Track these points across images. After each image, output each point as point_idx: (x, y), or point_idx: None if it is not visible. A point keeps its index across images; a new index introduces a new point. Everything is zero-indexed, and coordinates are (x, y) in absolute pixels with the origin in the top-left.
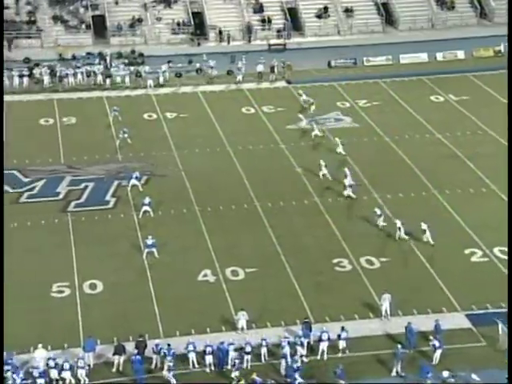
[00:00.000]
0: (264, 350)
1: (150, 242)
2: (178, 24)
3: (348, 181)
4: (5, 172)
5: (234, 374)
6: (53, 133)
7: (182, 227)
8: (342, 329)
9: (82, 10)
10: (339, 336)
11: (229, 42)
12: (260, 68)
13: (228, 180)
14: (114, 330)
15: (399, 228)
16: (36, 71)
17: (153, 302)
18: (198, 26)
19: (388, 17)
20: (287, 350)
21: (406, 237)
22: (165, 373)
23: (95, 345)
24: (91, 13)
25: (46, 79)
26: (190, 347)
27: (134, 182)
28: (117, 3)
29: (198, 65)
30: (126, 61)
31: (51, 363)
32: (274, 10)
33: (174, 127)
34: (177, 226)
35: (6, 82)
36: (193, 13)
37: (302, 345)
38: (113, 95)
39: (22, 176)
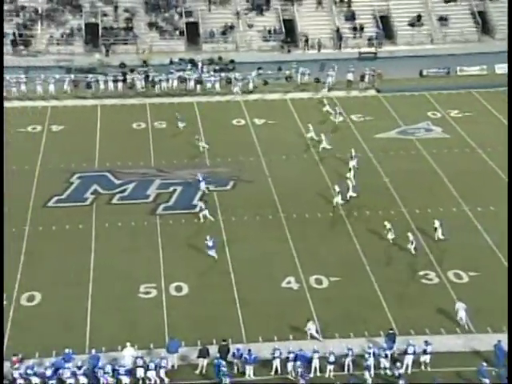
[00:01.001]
0: (349, 360)
1: (210, 243)
2: (270, 31)
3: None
4: (98, 174)
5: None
6: (144, 136)
7: (267, 233)
8: (426, 343)
9: (176, 16)
10: (425, 351)
11: (319, 50)
12: (350, 76)
13: (314, 187)
14: (198, 333)
15: (435, 228)
16: (130, 76)
17: (236, 306)
18: (288, 33)
19: (484, 25)
20: (371, 361)
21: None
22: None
23: (179, 346)
24: (185, 20)
25: (140, 84)
26: (277, 353)
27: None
28: (210, 10)
29: (287, 72)
30: (217, 67)
31: (139, 362)
32: (365, 17)
33: (261, 133)
34: (262, 231)
35: (102, 86)
36: (284, 20)
37: (386, 357)
38: (203, 101)
39: (114, 178)
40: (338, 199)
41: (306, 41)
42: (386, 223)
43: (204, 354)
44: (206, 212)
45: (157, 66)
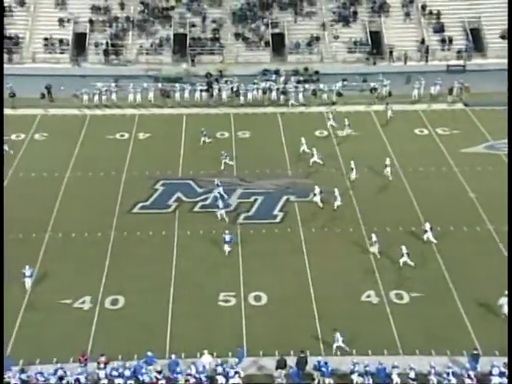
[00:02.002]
0: (432, 379)
1: (227, 238)
2: (355, 43)
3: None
4: (181, 181)
5: None
6: (227, 146)
7: (348, 245)
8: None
9: (262, 27)
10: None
11: (405, 62)
12: (437, 89)
13: (396, 201)
14: (276, 344)
15: (425, 231)
16: (215, 86)
17: (315, 318)
18: (375, 45)
19: None
20: (454, 381)
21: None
22: None
23: (244, 356)
24: (271, 31)
25: (225, 94)
26: (356, 367)
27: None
28: (296, 22)
29: (372, 84)
30: (301, 78)
31: (219, 369)
32: (455, 30)
33: (344, 145)
34: (342, 243)
35: (187, 95)
36: (370, 32)
37: (469, 377)
38: (287, 112)
39: (197, 186)
40: (428, 236)
41: (391, 52)
42: (402, 247)
43: (282, 364)
44: (223, 212)
45: (242, 76)
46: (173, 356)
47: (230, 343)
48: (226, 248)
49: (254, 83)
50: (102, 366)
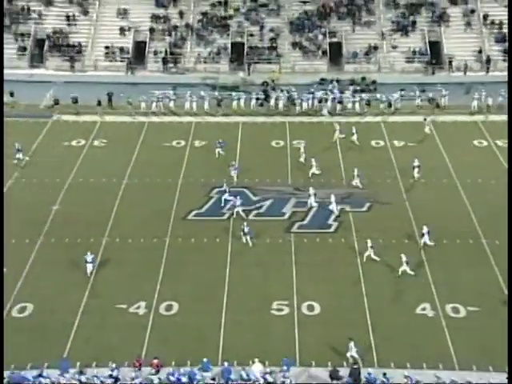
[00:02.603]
0: None
1: (246, 229)
2: (414, 52)
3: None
4: (237, 189)
5: None
6: (283, 154)
7: (396, 256)
8: None
9: (320, 36)
10: None
11: (465, 72)
12: (499, 100)
13: (453, 213)
14: (329, 354)
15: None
16: (272, 95)
17: (368, 329)
18: (434, 55)
19: None
20: None
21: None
22: None
23: (291, 364)
24: (328, 40)
25: (281, 103)
26: (409, 381)
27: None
28: (354, 31)
29: (430, 94)
30: (358, 88)
31: (269, 378)
32: None
33: (400, 156)
34: (397, 255)
35: (242, 103)
36: (430, 42)
37: None
38: (343, 121)
39: (252, 194)
40: (425, 239)
41: (450, 62)
42: (402, 255)
43: (335, 375)
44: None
45: (298, 85)
46: (225, 363)
47: (282, 352)
48: (247, 240)
49: (311, 92)
50: (154, 370)
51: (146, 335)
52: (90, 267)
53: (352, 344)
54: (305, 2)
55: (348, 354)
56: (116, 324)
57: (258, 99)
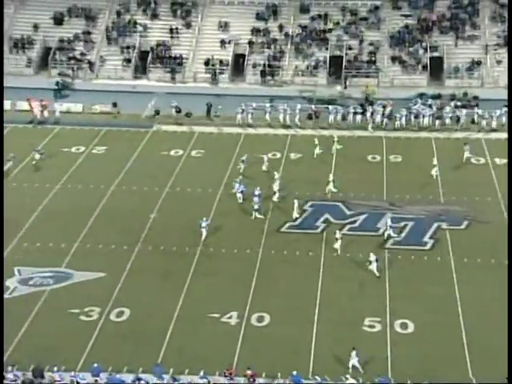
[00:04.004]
0: None
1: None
2: None
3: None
4: (331, 203)
5: None
6: (378, 169)
7: (501, 277)
8: None
9: (421, 51)
10: None
11: None
12: None
13: None
14: (422, 373)
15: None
16: (369, 109)
17: (464, 348)
18: None
19: None
20: None
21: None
22: None
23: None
24: (429, 54)
25: (378, 117)
26: None
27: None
28: (457, 45)
29: None
30: (459, 103)
31: None
32: None
33: (502, 174)
34: (495, 275)
35: (338, 117)
36: None
37: None
38: (441, 137)
39: (346, 208)
40: None
41: None
42: (371, 254)
43: None
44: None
45: (396, 99)
46: (317, 377)
47: (374, 369)
48: (239, 196)
49: (408, 107)
50: (249, 381)
51: (237, 345)
52: (204, 232)
53: (354, 353)
54: (406, 16)
55: (350, 364)
56: (208, 333)
57: (355, 113)
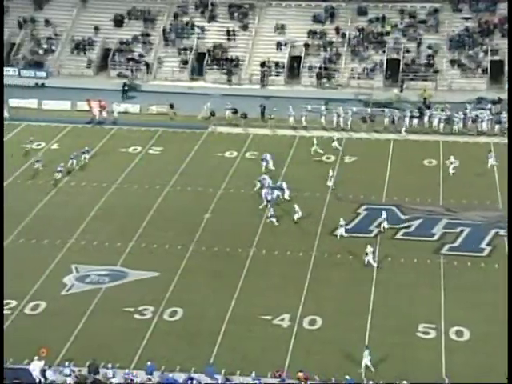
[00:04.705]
0: None
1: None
2: None
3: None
4: (385, 207)
5: None
6: (435, 174)
7: None
8: None
9: (481, 54)
10: None
11: None
12: None
13: None
14: (476, 381)
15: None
16: (426, 112)
17: None
18: None
19: None
20: None
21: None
22: None
23: None
24: (490, 58)
25: (436, 121)
26: None
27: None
28: None
29: None
30: None
31: None
32: None
33: None
34: None
35: (396, 120)
36: None
37: None
38: (500, 142)
39: (400, 213)
40: None
41: None
42: (368, 246)
43: None
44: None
45: (454, 103)
46: (371, 382)
47: (427, 377)
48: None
49: (466, 112)
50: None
51: (289, 348)
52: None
53: (367, 352)
54: (466, 19)
55: (363, 363)
56: (260, 334)
57: (412, 117)
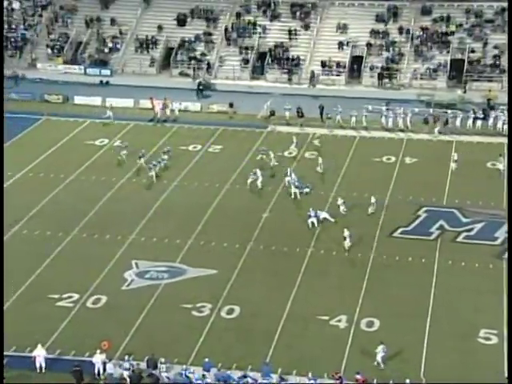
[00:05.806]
0: None
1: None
2: None
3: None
4: (446, 210)
5: None
6: (497, 177)
7: None
8: None
9: None
10: None
11: None
12: None
13: None
14: None
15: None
16: (491, 114)
17: None
18: None
19: None
20: None
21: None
22: None
23: None
24: None
25: (500, 123)
26: None
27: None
28: None
29: None
30: None
31: None
32: None
33: None
34: None
35: (457, 122)
36: None
37: None
38: None
39: (462, 216)
40: None
41: None
42: (344, 230)
43: None
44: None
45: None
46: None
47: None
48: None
49: None
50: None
51: (346, 349)
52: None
53: (381, 347)
54: None
55: (377, 357)
56: (317, 335)
57: (476, 118)
